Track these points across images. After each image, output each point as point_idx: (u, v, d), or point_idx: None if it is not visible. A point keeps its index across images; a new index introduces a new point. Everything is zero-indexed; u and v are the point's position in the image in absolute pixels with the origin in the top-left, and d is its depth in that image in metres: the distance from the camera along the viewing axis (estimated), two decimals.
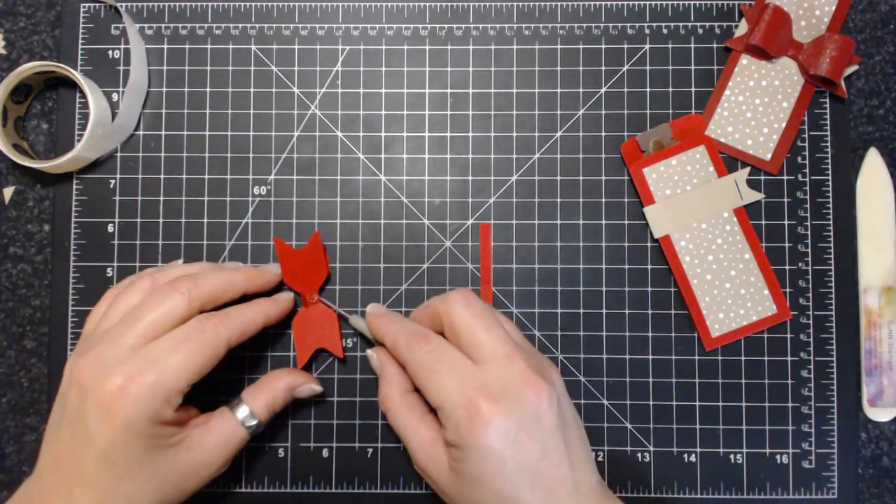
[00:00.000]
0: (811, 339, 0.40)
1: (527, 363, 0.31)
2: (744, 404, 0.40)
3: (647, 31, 0.42)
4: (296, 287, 0.40)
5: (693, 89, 0.41)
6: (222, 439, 0.34)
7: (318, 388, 0.38)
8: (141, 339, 0.32)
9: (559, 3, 0.42)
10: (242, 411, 0.36)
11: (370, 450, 0.40)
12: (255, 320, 0.36)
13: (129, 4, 0.42)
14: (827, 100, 0.41)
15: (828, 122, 0.41)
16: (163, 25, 0.42)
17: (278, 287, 0.40)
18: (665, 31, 0.42)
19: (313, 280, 0.40)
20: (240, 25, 0.42)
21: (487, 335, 0.32)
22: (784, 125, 0.41)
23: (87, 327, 0.36)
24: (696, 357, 0.40)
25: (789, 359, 0.40)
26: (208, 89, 0.42)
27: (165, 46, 0.42)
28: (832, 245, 0.41)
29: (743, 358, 0.40)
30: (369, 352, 0.37)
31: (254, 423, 0.36)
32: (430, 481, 0.34)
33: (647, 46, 0.42)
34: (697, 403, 0.40)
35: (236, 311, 0.35)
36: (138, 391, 0.31)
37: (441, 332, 0.34)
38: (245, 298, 0.37)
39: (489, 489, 0.30)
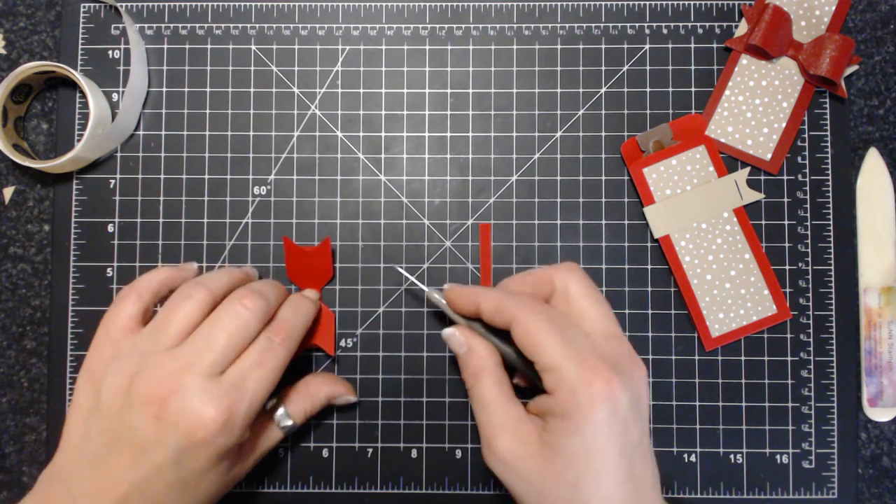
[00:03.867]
0: (811, 339, 0.40)
1: (630, 347, 0.31)
2: (744, 404, 0.40)
3: (647, 31, 0.42)
4: (299, 284, 0.40)
5: (693, 89, 0.41)
6: (265, 446, 0.36)
7: (353, 399, 0.39)
8: (216, 366, 0.31)
9: (559, 3, 0.42)
10: (280, 414, 0.36)
11: (370, 450, 0.40)
12: (306, 326, 0.36)
13: (129, 4, 0.42)
14: (827, 100, 0.41)
15: (828, 122, 0.41)
16: (163, 25, 0.42)
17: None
18: (665, 31, 0.42)
19: (317, 279, 0.40)
20: (240, 25, 0.42)
21: (601, 309, 0.32)
22: (784, 125, 0.41)
23: (112, 333, 0.34)
24: (696, 357, 0.40)
25: (789, 359, 0.40)
26: (208, 89, 0.42)
27: (165, 46, 0.42)
28: (832, 245, 0.41)
29: (743, 358, 0.40)
30: (451, 330, 0.34)
31: (289, 424, 0.36)
32: (505, 469, 0.31)
33: (647, 46, 0.42)
34: (697, 403, 0.40)
35: (293, 321, 0.35)
36: (232, 423, 0.30)
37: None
38: None
39: (588, 467, 0.28)
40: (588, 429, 0.28)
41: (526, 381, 0.36)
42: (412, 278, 0.39)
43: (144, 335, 0.33)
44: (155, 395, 0.30)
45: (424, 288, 0.37)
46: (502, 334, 0.33)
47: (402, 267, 0.40)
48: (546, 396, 0.30)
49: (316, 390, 0.37)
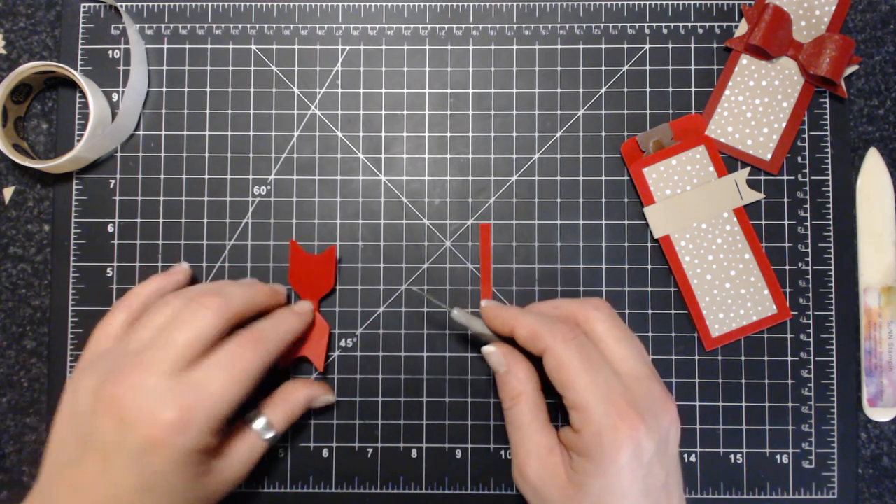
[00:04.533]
0: (811, 339, 0.40)
1: (661, 386, 0.31)
2: (744, 404, 0.40)
3: (647, 31, 0.42)
4: (299, 291, 0.40)
5: (693, 89, 0.41)
6: (245, 455, 0.35)
7: (332, 399, 0.39)
8: (177, 364, 0.31)
9: (559, 3, 0.42)
10: (260, 423, 0.36)
11: (370, 450, 0.40)
12: (286, 339, 0.35)
13: (129, 4, 0.42)
14: (827, 100, 0.41)
15: (828, 122, 0.41)
16: (163, 25, 0.42)
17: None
18: (665, 31, 0.42)
19: (318, 289, 0.40)
20: (240, 25, 0.42)
21: (632, 349, 0.32)
22: (784, 125, 0.41)
23: (101, 342, 0.34)
24: (696, 357, 0.40)
25: (789, 359, 0.40)
26: (208, 89, 0.42)
27: (165, 46, 0.42)
28: (832, 245, 0.41)
29: (743, 358, 0.40)
30: (490, 348, 0.35)
31: (272, 434, 0.36)
32: (532, 494, 0.32)
33: (647, 46, 0.42)
34: (697, 403, 0.40)
35: (270, 331, 0.34)
36: (190, 424, 0.30)
37: None
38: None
39: None
40: (612, 472, 0.29)
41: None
42: (435, 300, 0.38)
43: (123, 341, 0.33)
44: (117, 396, 0.30)
45: (447, 308, 0.37)
46: (533, 358, 0.34)
47: (420, 288, 0.40)
48: (572, 433, 0.31)
49: (293, 395, 0.37)
